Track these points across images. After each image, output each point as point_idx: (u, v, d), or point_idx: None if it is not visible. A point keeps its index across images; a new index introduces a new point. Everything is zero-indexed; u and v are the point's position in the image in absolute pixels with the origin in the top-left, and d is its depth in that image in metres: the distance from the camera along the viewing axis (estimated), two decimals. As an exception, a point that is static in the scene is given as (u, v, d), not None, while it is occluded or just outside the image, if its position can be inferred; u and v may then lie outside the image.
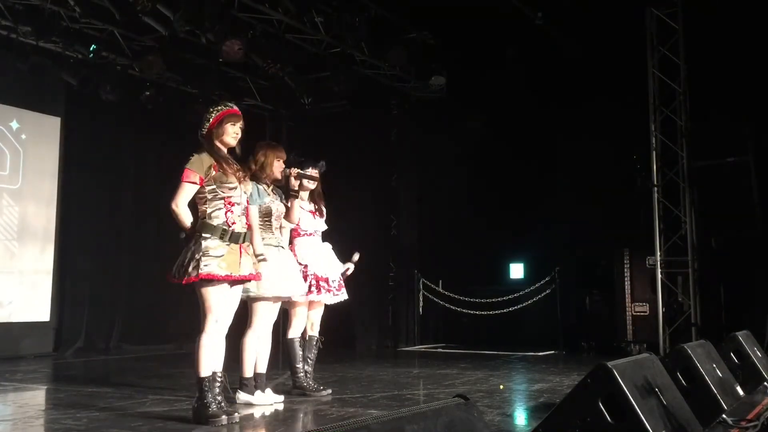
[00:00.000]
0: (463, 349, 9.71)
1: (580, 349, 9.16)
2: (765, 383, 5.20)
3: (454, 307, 10.35)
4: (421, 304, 10.62)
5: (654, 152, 8.66)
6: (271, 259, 4.72)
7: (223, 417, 4.08)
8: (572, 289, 9.64)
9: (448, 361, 8.29)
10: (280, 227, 5.08)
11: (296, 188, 5.11)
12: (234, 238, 4.19)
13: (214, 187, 4.20)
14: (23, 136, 8.70)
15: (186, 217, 4.18)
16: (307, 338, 5.47)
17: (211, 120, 4.33)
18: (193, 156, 4.24)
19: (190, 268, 4.06)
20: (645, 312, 8.70)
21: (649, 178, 8.63)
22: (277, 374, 6.31)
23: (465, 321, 10.32)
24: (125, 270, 9.43)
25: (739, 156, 8.39)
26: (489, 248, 10.45)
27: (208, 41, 8.06)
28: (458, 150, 10.23)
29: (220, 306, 4.19)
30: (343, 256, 5.66)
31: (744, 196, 8.36)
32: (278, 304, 5.09)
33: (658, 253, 8.50)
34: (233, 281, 4.23)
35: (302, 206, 5.29)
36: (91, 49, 8.41)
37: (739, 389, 4.72)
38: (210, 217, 4.19)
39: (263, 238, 4.82)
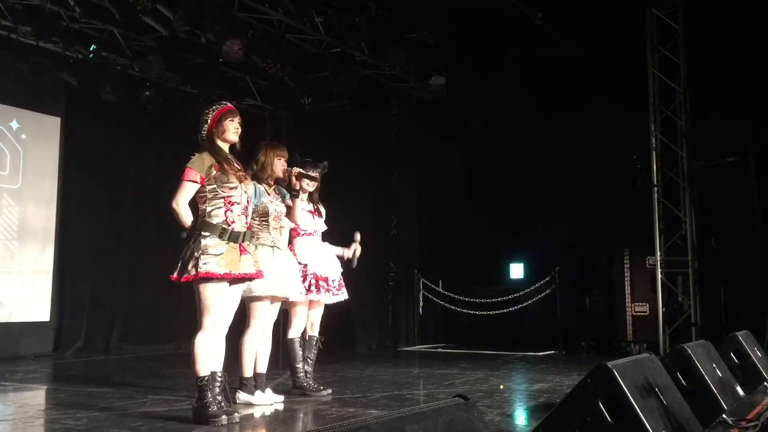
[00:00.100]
0: (463, 349, 9.71)
1: (580, 349, 9.16)
2: (765, 383, 5.20)
3: (454, 307, 10.36)
4: (421, 304, 10.62)
5: (654, 152, 8.66)
6: (265, 259, 4.72)
7: (223, 417, 4.08)
8: (572, 289, 9.64)
9: (448, 361, 8.29)
10: (280, 228, 5.07)
11: (297, 188, 5.11)
12: (233, 237, 4.19)
13: (215, 186, 4.22)
14: (23, 136, 8.71)
15: (187, 216, 4.19)
16: (307, 338, 5.47)
17: (208, 121, 4.35)
18: (194, 155, 4.26)
19: (189, 266, 4.08)
20: (645, 312, 8.70)
21: (649, 178, 8.63)
22: (277, 374, 6.31)
23: (465, 321, 10.33)
24: (125, 270, 9.43)
25: (739, 156, 8.39)
26: (489, 248, 10.45)
27: (208, 41, 8.06)
28: (458, 150, 10.23)
29: (218, 305, 4.19)
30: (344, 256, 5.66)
31: (744, 196, 8.36)
32: (277, 305, 5.09)
33: (658, 253, 8.50)
34: (232, 280, 4.23)
35: (302, 207, 5.28)
36: (91, 49, 8.41)
37: (739, 389, 4.72)
38: (210, 216, 4.20)
39: (258, 238, 4.81)
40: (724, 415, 4.01)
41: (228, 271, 4.14)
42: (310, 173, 5.26)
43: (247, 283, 4.44)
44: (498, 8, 8.16)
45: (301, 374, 5.36)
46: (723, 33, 8.12)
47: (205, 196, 4.23)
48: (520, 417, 4.78)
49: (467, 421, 2.38)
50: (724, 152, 8.49)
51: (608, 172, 9.08)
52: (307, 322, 5.45)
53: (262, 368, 5.03)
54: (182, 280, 4.10)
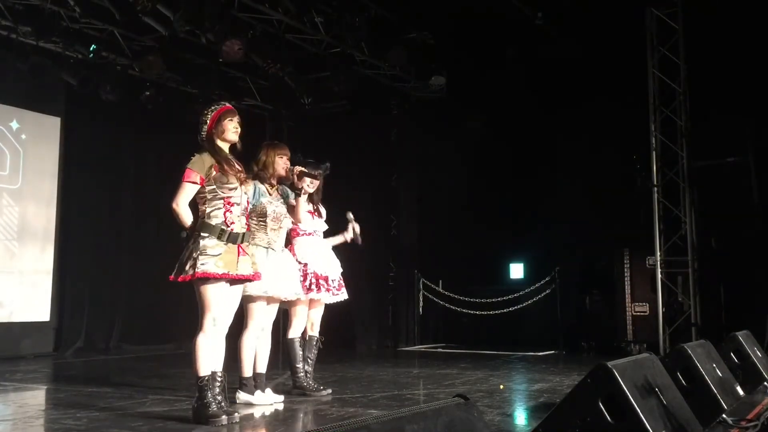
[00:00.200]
0: (463, 349, 9.71)
1: (580, 349, 9.16)
2: (765, 383, 5.20)
3: (454, 307, 10.36)
4: (421, 304, 10.62)
5: (654, 152, 8.66)
6: (259, 260, 4.71)
7: (223, 417, 4.08)
8: (572, 289, 9.64)
9: (448, 361, 8.29)
10: (278, 228, 5.06)
11: (300, 187, 5.11)
12: (232, 238, 4.19)
13: (214, 187, 4.22)
14: (23, 136, 8.71)
15: (187, 217, 4.20)
16: (307, 338, 5.47)
17: (208, 121, 4.35)
18: (194, 156, 4.26)
19: (187, 267, 4.09)
20: (645, 312, 8.70)
21: (649, 178, 8.63)
22: (277, 374, 6.32)
23: (465, 321, 10.33)
24: (125, 270, 9.43)
25: (739, 156, 8.39)
26: (489, 248, 10.45)
27: (208, 41, 8.06)
28: (458, 150, 10.23)
29: (217, 305, 4.19)
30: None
31: (744, 196, 8.35)
32: (275, 305, 5.08)
33: (658, 253, 8.51)
34: (231, 280, 4.23)
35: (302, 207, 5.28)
36: (91, 49, 8.41)
37: (739, 389, 4.72)
38: (209, 217, 4.20)
39: (254, 238, 4.81)
40: (724, 415, 4.01)
41: (226, 272, 4.14)
42: (312, 173, 5.27)
43: (246, 283, 4.44)
44: (498, 8, 8.16)
45: (301, 374, 5.36)
46: (723, 33, 8.11)
47: (205, 196, 4.23)
48: (520, 417, 4.77)
49: (467, 421, 2.38)
50: (724, 152, 8.49)
51: (608, 172, 9.07)
52: (307, 321, 5.45)
53: (262, 368, 5.03)
54: (179, 280, 4.11)
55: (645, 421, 2.94)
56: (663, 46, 8.65)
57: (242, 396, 4.89)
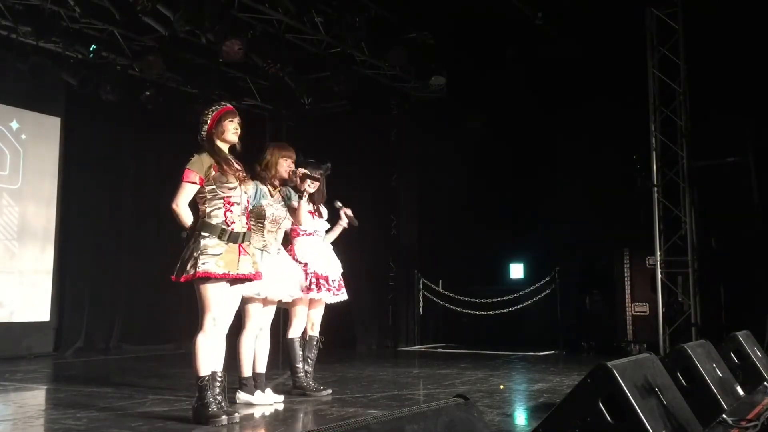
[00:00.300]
0: (463, 349, 9.71)
1: (580, 349, 9.16)
2: (765, 383, 5.20)
3: (454, 307, 10.36)
4: (421, 304, 10.62)
5: (654, 152, 8.66)
6: None
7: (223, 417, 4.08)
8: (572, 289, 9.64)
9: (448, 361, 8.29)
10: (276, 230, 5.06)
11: (302, 189, 5.10)
12: (233, 237, 4.20)
13: (214, 187, 4.23)
14: (23, 136, 8.71)
15: (187, 217, 4.20)
16: (307, 338, 5.47)
17: (208, 122, 4.35)
18: (193, 156, 4.27)
19: (188, 266, 4.09)
20: (645, 312, 8.70)
21: (649, 178, 8.63)
22: (277, 374, 6.32)
23: (465, 321, 10.33)
24: (125, 270, 9.43)
25: (739, 156, 8.39)
26: (489, 248, 10.45)
27: (208, 41, 8.05)
28: (458, 150, 10.23)
29: (218, 305, 4.19)
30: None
31: (744, 196, 8.35)
32: (272, 306, 5.08)
33: (658, 253, 8.50)
34: (232, 280, 4.23)
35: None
36: (91, 49, 8.41)
37: (739, 389, 4.72)
38: (209, 217, 4.20)
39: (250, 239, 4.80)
40: (724, 415, 4.01)
41: (227, 271, 4.14)
42: (313, 174, 5.27)
43: (247, 283, 4.44)
44: (498, 8, 8.16)
45: (301, 374, 5.36)
46: (723, 33, 8.11)
47: (205, 196, 4.24)
48: (520, 417, 4.78)
49: (467, 421, 2.38)
50: (724, 152, 8.49)
51: (608, 172, 9.07)
52: (307, 321, 5.44)
53: (262, 368, 5.03)
54: (181, 280, 4.11)
55: (645, 421, 2.94)
56: (663, 46, 8.65)
57: (242, 396, 4.89)
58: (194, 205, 4.27)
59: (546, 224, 9.55)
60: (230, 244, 4.18)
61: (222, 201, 4.23)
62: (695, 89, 8.52)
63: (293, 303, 5.30)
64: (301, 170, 5.13)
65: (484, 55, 9.41)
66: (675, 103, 8.59)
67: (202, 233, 4.15)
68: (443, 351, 9.96)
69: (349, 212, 5.52)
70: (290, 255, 5.30)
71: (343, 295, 5.49)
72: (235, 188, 4.27)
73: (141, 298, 9.34)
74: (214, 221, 4.19)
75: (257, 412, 4.66)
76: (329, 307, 5.58)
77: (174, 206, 4.18)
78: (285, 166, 5.07)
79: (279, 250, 5.08)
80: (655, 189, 8.58)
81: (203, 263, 4.07)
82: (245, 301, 4.85)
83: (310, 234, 5.42)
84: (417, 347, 10.40)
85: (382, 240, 10.55)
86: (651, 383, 3.27)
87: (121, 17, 7.83)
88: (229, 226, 4.20)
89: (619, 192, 9.05)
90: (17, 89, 8.50)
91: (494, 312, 9.96)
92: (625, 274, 8.89)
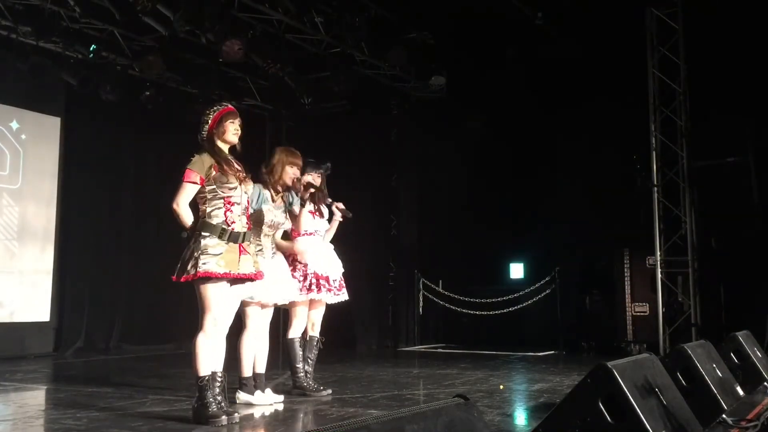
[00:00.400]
0: (463, 349, 9.71)
1: (580, 349, 9.16)
2: (765, 383, 5.20)
3: (454, 307, 10.36)
4: (421, 304, 10.62)
5: (654, 152, 8.66)
6: None
7: (223, 417, 4.08)
8: (572, 289, 9.64)
9: (448, 361, 8.29)
10: (272, 235, 5.06)
11: (305, 197, 5.10)
12: (233, 237, 4.20)
13: (214, 187, 4.23)
14: (23, 136, 8.71)
15: (187, 217, 4.20)
16: (307, 338, 5.47)
17: (209, 121, 4.36)
18: (194, 156, 4.27)
19: (189, 266, 4.09)
20: (645, 312, 8.70)
21: (649, 178, 8.63)
22: (277, 374, 6.32)
23: (465, 321, 10.33)
24: (125, 270, 9.43)
25: (739, 156, 8.39)
26: (489, 248, 10.45)
27: (208, 41, 8.06)
28: (458, 150, 10.23)
29: (218, 305, 4.19)
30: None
31: (744, 196, 8.36)
32: (269, 308, 5.08)
33: (658, 253, 8.50)
34: (232, 280, 4.23)
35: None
36: (91, 49, 8.41)
37: (739, 389, 4.72)
38: (209, 217, 4.21)
39: None
40: (724, 415, 4.01)
41: (227, 271, 4.14)
42: (314, 174, 5.27)
43: (242, 286, 4.43)
44: (498, 8, 8.16)
45: (302, 374, 5.36)
46: (723, 33, 8.11)
47: (205, 196, 4.24)
48: (520, 417, 4.78)
49: (467, 421, 2.38)
50: (724, 152, 8.49)
51: (608, 172, 9.08)
52: (308, 322, 5.44)
53: (261, 368, 5.03)
54: (182, 280, 4.11)
55: (645, 421, 2.94)
56: (663, 46, 8.65)
57: (242, 396, 4.89)
58: (194, 205, 4.27)
59: (546, 224, 9.55)
60: (231, 243, 4.18)
61: (222, 201, 4.23)
62: (695, 89, 8.52)
63: (293, 303, 5.29)
64: (306, 179, 5.14)
65: (484, 55, 9.41)
66: (675, 103, 8.59)
67: (203, 233, 4.15)
68: (443, 351, 9.96)
69: (341, 205, 5.51)
70: (291, 255, 5.31)
71: (343, 296, 5.48)
72: (235, 188, 4.27)
73: (141, 298, 9.34)
74: (214, 221, 4.19)
75: (257, 412, 4.66)
76: (329, 308, 5.58)
77: (174, 206, 4.18)
78: (290, 173, 5.07)
79: (274, 254, 5.07)
80: (655, 189, 8.58)
81: (204, 263, 4.08)
82: (244, 303, 4.85)
83: (310, 234, 5.42)
84: (417, 347, 10.40)
85: (382, 240, 10.56)
86: (651, 383, 3.27)
87: (121, 17, 7.83)
88: (229, 225, 4.21)
89: (619, 192, 9.05)
90: (17, 89, 8.50)
91: (494, 312, 9.96)
92: (625, 274, 8.89)
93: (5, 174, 8.50)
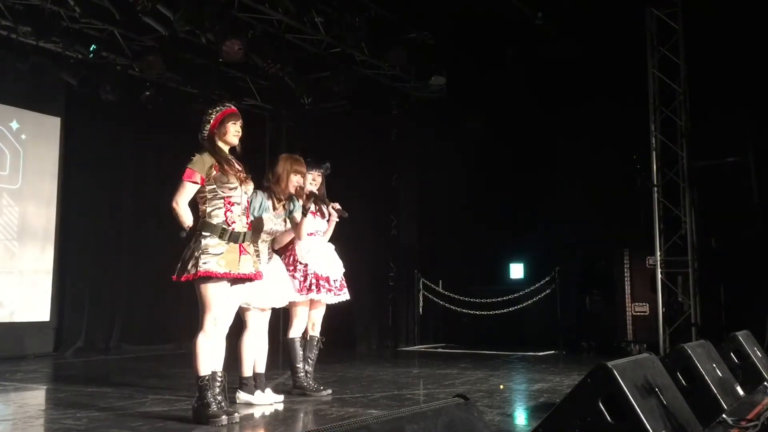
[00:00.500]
0: (463, 349, 9.71)
1: (580, 349, 9.16)
2: (765, 383, 5.20)
3: (454, 307, 10.36)
4: (421, 304, 10.62)
5: (654, 152, 8.66)
6: None
7: (223, 417, 4.08)
8: (572, 289, 9.64)
9: (448, 361, 8.29)
10: (268, 240, 5.06)
11: (308, 207, 5.09)
12: (233, 237, 4.20)
13: (215, 186, 4.23)
14: (23, 136, 8.71)
15: (186, 216, 4.20)
16: (308, 338, 5.47)
17: (211, 121, 4.36)
18: (194, 156, 4.27)
19: (189, 266, 4.10)
20: (645, 312, 8.70)
21: (649, 178, 8.63)
22: (277, 374, 6.32)
23: (465, 321, 10.32)
24: (125, 270, 9.42)
25: (739, 156, 8.39)
26: (489, 248, 10.45)
27: (208, 41, 8.05)
28: (458, 150, 10.23)
29: (219, 304, 4.19)
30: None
31: (744, 196, 8.36)
32: (267, 311, 5.09)
33: (658, 253, 8.50)
34: (233, 280, 4.24)
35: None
36: (91, 49, 8.41)
37: (739, 389, 4.72)
38: (210, 216, 4.21)
39: None
40: (724, 415, 4.01)
41: (228, 271, 4.15)
42: (314, 173, 5.27)
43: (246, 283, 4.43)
44: (498, 8, 8.16)
45: (302, 374, 5.36)
46: (723, 33, 8.11)
47: (205, 196, 4.24)
48: (520, 417, 4.78)
49: (467, 421, 2.38)
50: (724, 152, 8.49)
51: (608, 172, 9.08)
52: (308, 322, 5.44)
53: (261, 368, 5.03)
54: (182, 279, 4.11)
55: (645, 421, 2.94)
56: (663, 46, 8.65)
57: (242, 396, 4.89)
58: (194, 205, 4.27)
59: (546, 224, 9.55)
60: (231, 243, 4.19)
61: (223, 201, 4.24)
62: (695, 89, 8.52)
63: (294, 303, 5.29)
64: (309, 189, 5.15)
65: (484, 55, 9.41)
66: (675, 103, 8.59)
67: (203, 233, 4.15)
68: (443, 351, 9.96)
69: (337, 206, 5.51)
70: (291, 255, 5.31)
71: (344, 295, 5.48)
72: (235, 188, 4.28)
73: (141, 298, 9.33)
74: (214, 221, 4.20)
75: (257, 412, 4.66)
76: (329, 308, 5.58)
77: (174, 205, 4.18)
78: (294, 181, 5.07)
79: (270, 258, 5.07)
80: (655, 189, 8.58)
81: (204, 263, 4.08)
82: (241, 308, 4.86)
83: (311, 234, 5.41)
84: (417, 347, 10.40)
85: (382, 240, 10.56)
86: (651, 383, 3.27)
87: (121, 17, 7.83)
88: (229, 225, 4.21)
89: (619, 192, 9.05)
90: (17, 89, 8.50)
91: (494, 312, 9.96)
92: (625, 274, 8.88)
93: (5, 174, 8.50)
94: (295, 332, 5.38)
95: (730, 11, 7.87)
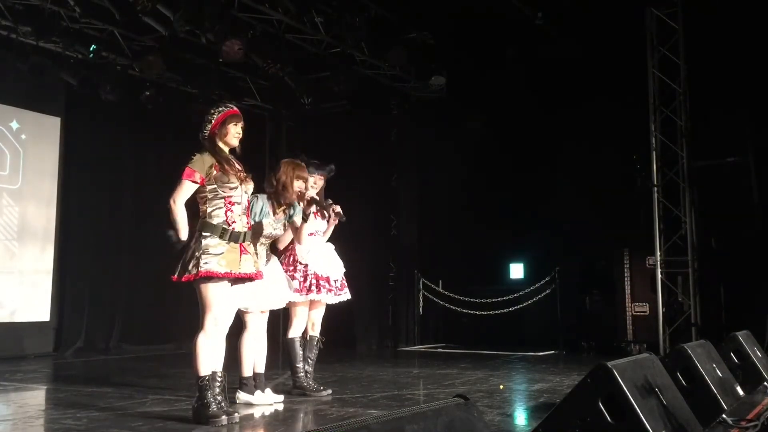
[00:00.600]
0: (463, 349, 9.71)
1: (580, 349, 9.16)
2: (765, 383, 5.20)
3: (454, 307, 10.36)
4: (421, 304, 10.62)
5: (654, 152, 8.66)
6: None
7: (223, 417, 4.08)
8: (572, 289, 9.63)
9: (448, 361, 8.29)
10: (267, 243, 5.07)
11: (308, 213, 5.09)
12: (234, 237, 4.20)
13: (215, 186, 4.23)
14: (23, 136, 8.71)
15: (181, 215, 4.20)
16: (308, 338, 5.47)
17: (213, 121, 4.36)
18: (195, 155, 4.27)
19: (190, 266, 4.10)
20: (645, 312, 8.70)
21: (649, 178, 8.63)
22: (277, 374, 6.32)
23: (465, 321, 10.32)
24: (125, 270, 9.42)
25: (739, 156, 8.39)
26: (489, 248, 10.45)
27: (208, 41, 8.05)
28: (458, 150, 10.23)
29: (219, 304, 4.19)
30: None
31: (744, 196, 8.36)
32: (265, 312, 5.09)
33: (658, 253, 8.50)
34: (233, 280, 4.24)
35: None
36: (91, 49, 8.41)
37: (739, 389, 4.72)
38: (210, 216, 4.21)
39: None
40: (724, 415, 4.01)
41: (228, 271, 4.15)
42: (317, 175, 5.27)
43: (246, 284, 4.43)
44: (498, 8, 8.16)
45: (302, 374, 5.36)
46: (723, 33, 8.11)
47: (206, 196, 4.24)
48: (520, 417, 4.78)
49: (467, 421, 2.38)
50: (724, 152, 8.49)
51: (608, 172, 9.07)
52: (308, 322, 5.44)
53: (261, 368, 5.03)
54: (183, 280, 4.11)
55: (645, 421, 2.94)
56: (663, 46, 8.65)
57: (242, 396, 4.89)
58: (193, 205, 4.27)
59: (546, 224, 9.54)
60: (231, 243, 4.19)
61: (223, 201, 4.23)
62: (695, 89, 8.52)
63: (293, 303, 5.30)
64: (310, 195, 5.15)
65: (484, 55, 9.41)
66: (675, 103, 8.59)
67: (204, 233, 4.15)
68: (443, 351, 9.96)
69: (338, 208, 5.52)
70: (291, 255, 5.31)
71: (345, 295, 5.48)
72: (236, 188, 4.28)
73: (141, 298, 9.33)
74: (215, 221, 4.20)
75: (257, 412, 4.66)
76: (329, 308, 5.58)
77: (171, 202, 4.18)
78: (296, 186, 5.06)
79: (268, 261, 5.08)
80: (655, 189, 8.58)
81: (205, 263, 4.08)
82: (242, 308, 4.86)
83: (311, 234, 5.41)
84: (417, 347, 10.40)
85: (382, 240, 10.56)
86: (651, 383, 3.27)
87: (121, 17, 7.83)
88: (230, 225, 4.21)
89: (619, 192, 9.05)
90: (17, 89, 8.50)
91: (494, 312, 9.96)
92: (625, 274, 8.88)
93: (5, 174, 8.50)
94: (294, 332, 5.38)
95: (730, 11, 7.87)
